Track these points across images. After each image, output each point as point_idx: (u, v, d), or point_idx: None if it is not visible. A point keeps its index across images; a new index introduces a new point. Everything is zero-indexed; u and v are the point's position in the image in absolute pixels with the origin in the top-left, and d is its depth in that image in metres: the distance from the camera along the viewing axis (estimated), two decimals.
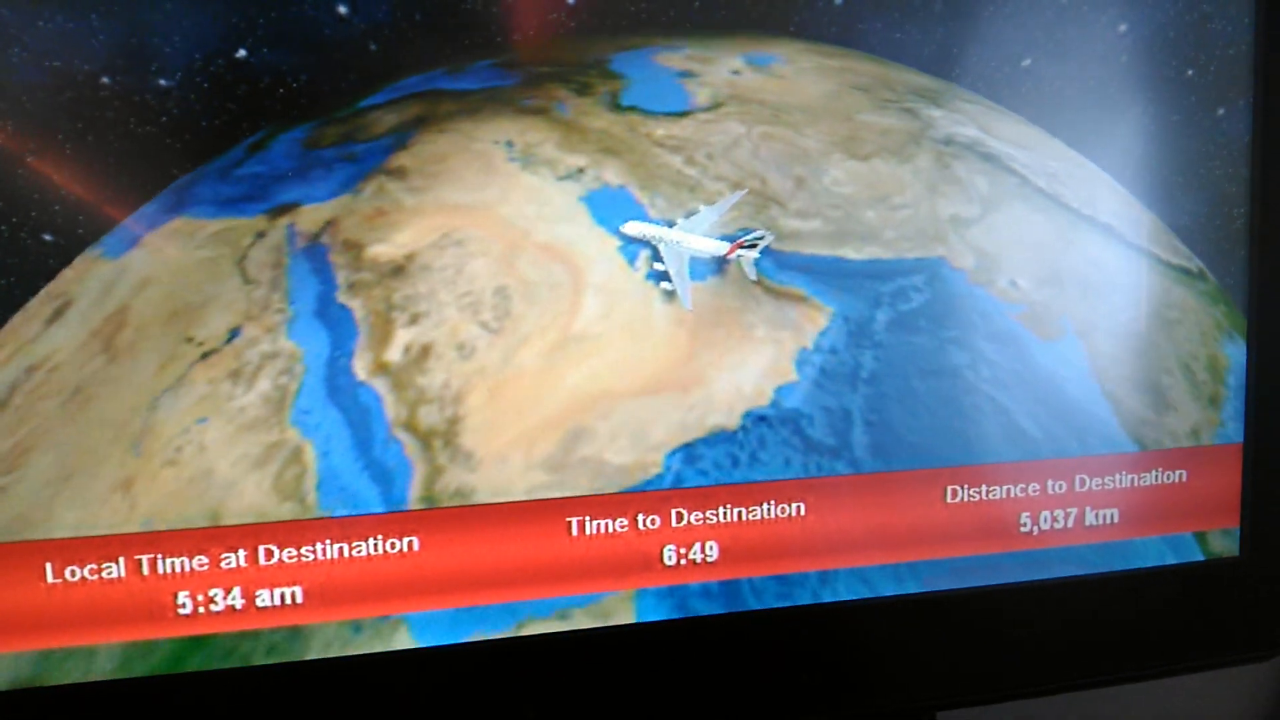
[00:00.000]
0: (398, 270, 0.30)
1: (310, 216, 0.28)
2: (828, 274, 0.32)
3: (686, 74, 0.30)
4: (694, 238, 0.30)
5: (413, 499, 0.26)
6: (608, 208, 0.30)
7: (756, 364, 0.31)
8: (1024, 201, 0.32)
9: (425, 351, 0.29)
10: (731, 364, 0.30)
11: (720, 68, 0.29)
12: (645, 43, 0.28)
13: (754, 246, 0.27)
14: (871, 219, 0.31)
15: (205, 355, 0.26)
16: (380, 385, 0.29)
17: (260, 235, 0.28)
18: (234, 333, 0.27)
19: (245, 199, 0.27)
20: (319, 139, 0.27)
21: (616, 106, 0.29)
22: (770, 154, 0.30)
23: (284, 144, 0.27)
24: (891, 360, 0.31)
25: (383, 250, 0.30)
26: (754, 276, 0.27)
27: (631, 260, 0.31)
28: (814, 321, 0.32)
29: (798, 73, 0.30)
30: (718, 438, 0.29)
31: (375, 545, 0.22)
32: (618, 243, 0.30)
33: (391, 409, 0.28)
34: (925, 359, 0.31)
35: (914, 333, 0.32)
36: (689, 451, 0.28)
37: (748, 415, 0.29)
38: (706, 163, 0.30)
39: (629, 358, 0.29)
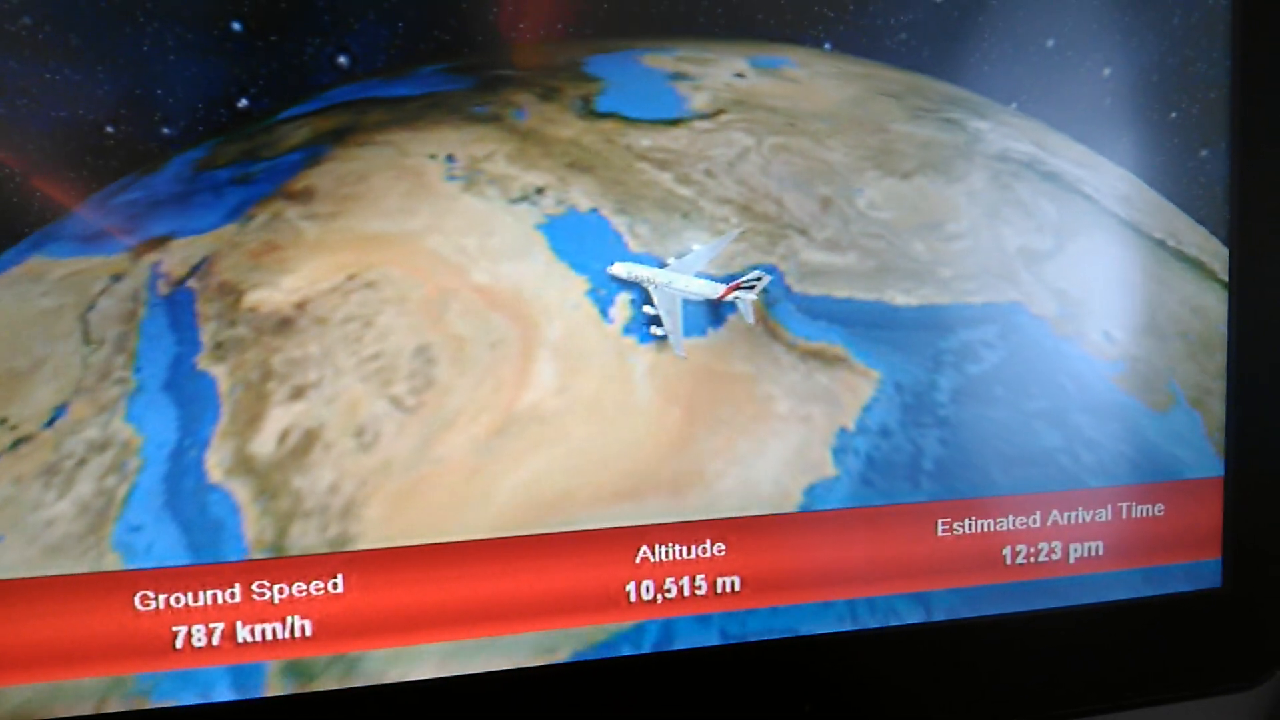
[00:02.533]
0: (283, 324, 0.22)
1: (181, 253, 0.22)
2: (870, 324, 0.24)
3: (680, 76, 0.24)
4: (687, 278, 0.23)
5: (272, 679, 0.20)
6: (574, 238, 0.23)
7: (778, 453, 0.24)
8: (1102, 231, 0.25)
9: (309, 439, 0.22)
10: (742, 453, 0.23)
11: (721, 70, 0.23)
12: (628, 45, 0.23)
13: (752, 288, 0.22)
14: (921, 252, 0.24)
15: (16, 444, 0.20)
16: (241, 489, 0.22)
17: (116, 279, 0.21)
18: (58, 411, 0.21)
19: (111, 233, 0.21)
20: (216, 158, 0.22)
21: (590, 113, 0.23)
22: (786, 170, 0.24)
23: (177, 165, 0.22)
24: (964, 445, 0.25)
25: (266, 297, 0.22)
26: (751, 320, 0.22)
27: (604, 308, 0.23)
28: (855, 391, 0.24)
29: (813, 76, 0.24)
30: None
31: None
32: (586, 284, 0.23)
33: (252, 525, 0.21)
34: (1008, 442, 0.25)
35: (989, 404, 0.24)
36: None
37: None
38: (705, 181, 0.24)
39: (598, 446, 0.23)
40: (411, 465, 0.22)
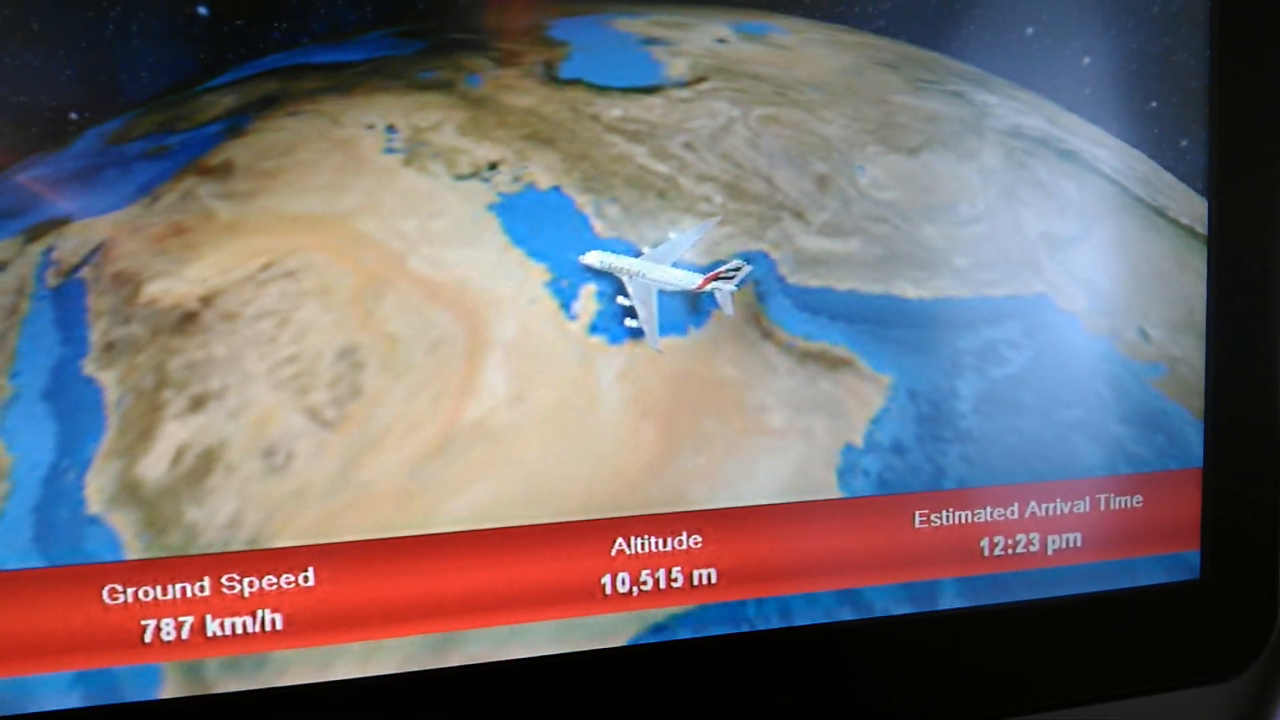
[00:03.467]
0: (185, 321, 0.19)
1: (77, 238, 0.19)
2: (878, 321, 0.21)
3: (655, 41, 0.21)
4: (662, 269, 0.20)
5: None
6: (532, 220, 0.20)
7: (773, 474, 0.21)
8: (1129, 215, 0.22)
9: (208, 460, 0.19)
10: (730, 476, 0.21)
11: (701, 35, 0.21)
12: (598, 8, 0.20)
13: (730, 278, 0.20)
14: (933, 238, 0.22)
15: None
16: (123, 521, 0.18)
17: (2, 268, 0.18)
18: None
19: (5, 215, 0.19)
20: (130, 131, 0.19)
21: (553, 79, 0.20)
22: (777, 144, 0.21)
23: (89, 139, 0.19)
24: (990, 463, 0.22)
25: (167, 288, 0.19)
26: (730, 312, 0.20)
27: (567, 302, 0.20)
28: (864, 399, 0.21)
29: (803, 44, 0.21)
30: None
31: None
32: (546, 274, 0.20)
33: None
34: (1043, 458, 0.22)
35: (1019, 414, 0.21)
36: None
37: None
38: (684, 155, 0.21)
39: (558, 469, 0.20)
40: (331, 492, 0.19)
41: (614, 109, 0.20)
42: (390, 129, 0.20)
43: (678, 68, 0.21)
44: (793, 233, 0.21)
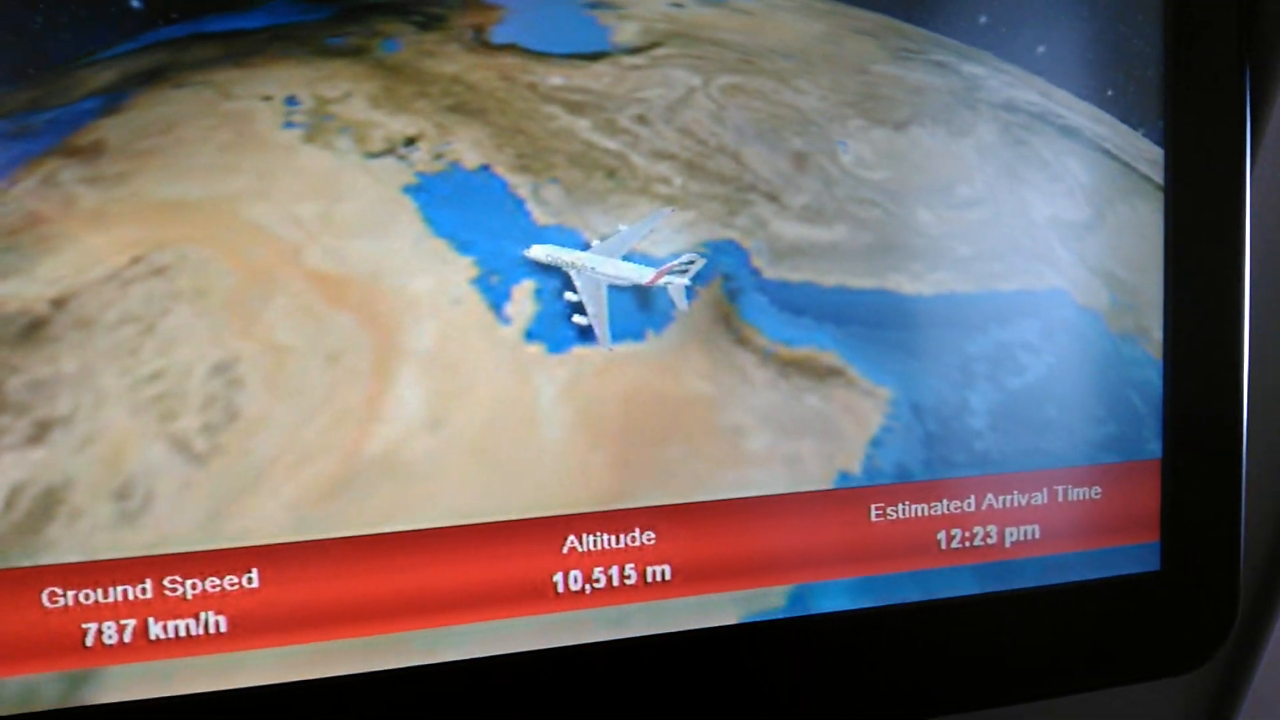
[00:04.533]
0: (30, 330, 0.16)
1: None
2: (872, 322, 0.18)
3: (600, 4, 0.18)
4: (613, 262, 0.17)
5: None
6: (457, 205, 0.17)
7: None
8: (1142, 199, 0.20)
9: (46, 504, 0.16)
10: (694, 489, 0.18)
11: None
12: None
13: (684, 272, 0.18)
14: (929, 224, 0.19)
15: None
16: None
17: None
18: None
19: None
20: None
21: (484, 45, 0.18)
22: (745, 117, 0.18)
23: None
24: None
25: (14, 291, 0.16)
26: (683, 306, 0.18)
27: (499, 303, 0.16)
28: (859, 416, 0.18)
29: (769, 9, 0.19)
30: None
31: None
32: (473, 269, 0.16)
33: None
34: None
35: (1042, 433, 0.20)
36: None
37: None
38: (637, 130, 0.18)
39: (487, 512, 0.17)
40: (195, 545, 0.16)
41: (554, 77, 0.17)
42: (290, 100, 0.17)
43: (627, 32, 0.18)
44: (767, 218, 0.18)
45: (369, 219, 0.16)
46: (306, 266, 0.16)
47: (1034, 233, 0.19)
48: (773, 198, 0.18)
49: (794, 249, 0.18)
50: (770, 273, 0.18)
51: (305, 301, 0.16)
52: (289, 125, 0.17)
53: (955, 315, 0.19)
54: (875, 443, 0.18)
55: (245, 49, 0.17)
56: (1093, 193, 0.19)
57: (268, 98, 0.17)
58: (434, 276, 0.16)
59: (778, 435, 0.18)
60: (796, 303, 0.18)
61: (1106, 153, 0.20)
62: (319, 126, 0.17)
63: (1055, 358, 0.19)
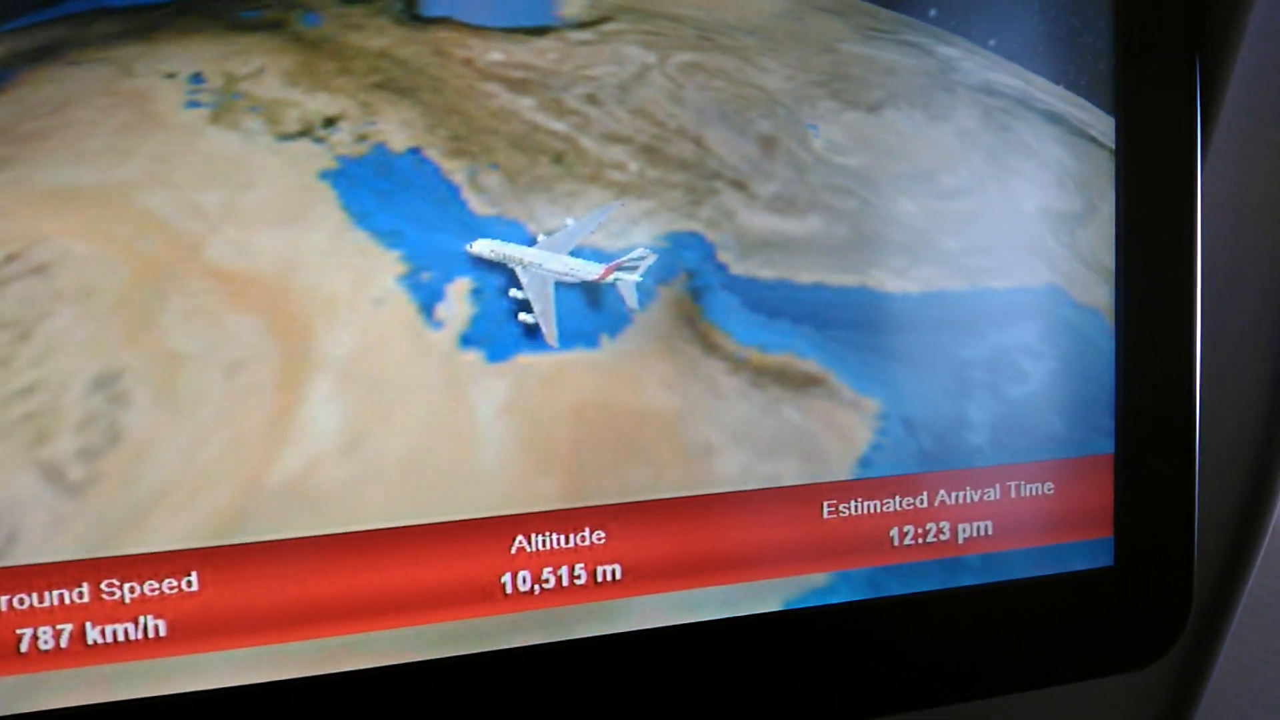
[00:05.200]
0: None
1: None
2: (854, 324, 0.16)
3: None
4: (560, 258, 0.16)
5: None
6: (382, 193, 0.15)
7: None
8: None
9: None
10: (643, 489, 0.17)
11: None
12: None
13: (635, 269, 0.16)
14: (912, 214, 0.17)
15: None
16: None
17: None
18: None
19: None
20: None
21: (414, 18, 0.16)
22: (706, 97, 0.16)
23: None
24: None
25: None
26: (634, 305, 0.17)
27: (428, 304, 0.14)
28: (844, 432, 0.16)
29: None
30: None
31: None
32: (400, 265, 0.14)
33: None
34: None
35: (1049, 445, 0.16)
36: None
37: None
38: (587, 110, 0.16)
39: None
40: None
41: (493, 53, 0.16)
42: (196, 78, 0.15)
43: (574, 5, 0.16)
44: (733, 208, 0.16)
45: (280, 208, 0.14)
46: (207, 262, 0.14)
47: (1024, 224, 0.18)
48: (739, 185, 0.16)
49: (764, 242, 0.16)
50: (739, 268, 0.16)
51: (204, 302, 0.14)
52: (192, 105, 0.15)
53: (944, 316, 0.17)
54: (863, 462, 0.16)
55: (151, 23, 0.15)
56: (1082, 181, 0.18)
57: (171, 75, 0.15)
58: (354, 274, 0.14)
59: (752, 454, 0.16)
60: (770, 303, 0.16)
61: (1089, 138, 0.18)
62: (226, 105, 0.15)
63: (1059, 367, 0.17)
